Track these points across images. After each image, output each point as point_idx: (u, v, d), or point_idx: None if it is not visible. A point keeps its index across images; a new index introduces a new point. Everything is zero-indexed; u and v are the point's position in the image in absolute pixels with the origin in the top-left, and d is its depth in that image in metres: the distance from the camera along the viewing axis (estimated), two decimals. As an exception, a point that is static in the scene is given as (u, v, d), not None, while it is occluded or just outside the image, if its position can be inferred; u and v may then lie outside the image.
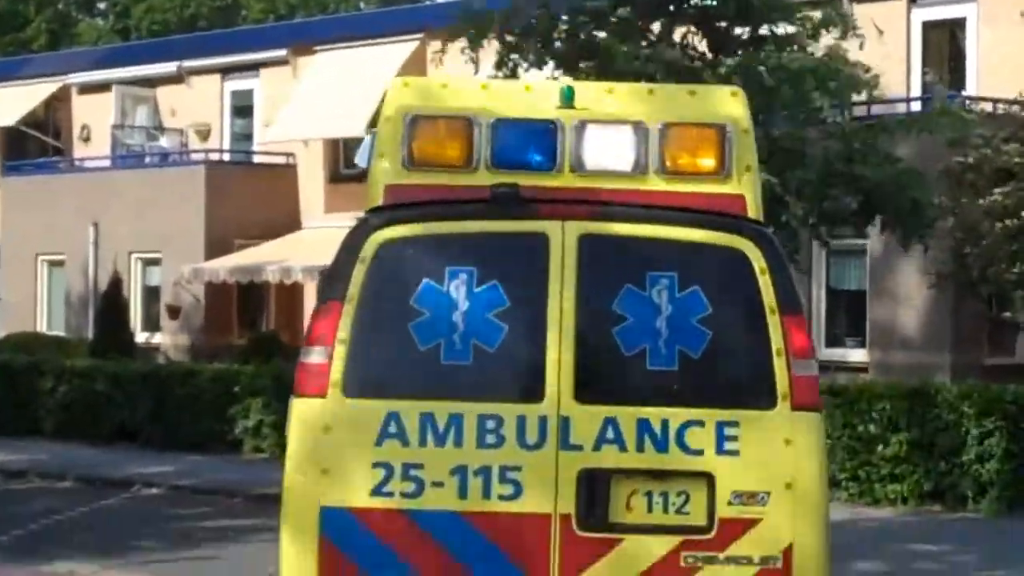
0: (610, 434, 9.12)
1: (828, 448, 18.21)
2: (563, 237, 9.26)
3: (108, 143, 45.90)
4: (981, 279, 26.98)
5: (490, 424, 9.12)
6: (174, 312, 40.96)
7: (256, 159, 43.45)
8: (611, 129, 9.44)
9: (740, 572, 9.10)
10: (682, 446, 9.11)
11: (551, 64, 23.31)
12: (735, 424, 9.20)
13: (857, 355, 30.79)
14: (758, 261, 9.33)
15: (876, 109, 27.43)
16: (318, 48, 42.59)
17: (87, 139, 47.13)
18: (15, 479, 28.91)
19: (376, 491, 9.07)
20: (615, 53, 21.48)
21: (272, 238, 40.54)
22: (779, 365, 9.22)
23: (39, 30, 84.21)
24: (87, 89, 47.28)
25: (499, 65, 22.96)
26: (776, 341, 9.24)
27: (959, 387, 24.26)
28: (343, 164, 41.90)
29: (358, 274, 9.24)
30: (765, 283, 9.30)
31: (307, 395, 9.22)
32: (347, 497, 9.08)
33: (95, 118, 46.86)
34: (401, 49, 39.85)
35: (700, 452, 9.12)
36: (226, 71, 44.60)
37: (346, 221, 10.89)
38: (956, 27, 34.16)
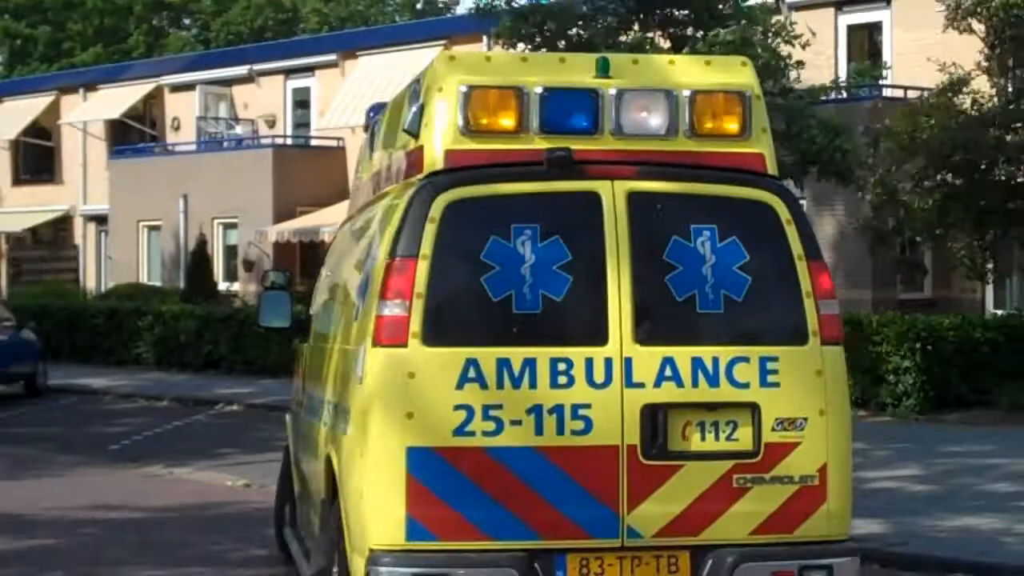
0: (668, 372, 8.58)
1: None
2: (613, 195, 8.71)
3: (194, 132, 45.95)
4: (895, 230, 26.96)
5: (561, 366, 8.49)
6: (248, 265, 41.01)
7: (313, 143, 43.46)
8: (645, 96, 8.87)
9: (784, 490, 8.65)
10: (731, 380, 8.64)
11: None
12: (775, 359, 8.72)
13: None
14: (783, 213, 8.90)
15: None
16: (361, 53, 42.63)
17: (177, 128, 47.15)
18: (124, 400, 29.07)
19: (458, 431, 8.37)
20: (599, 49, 21.45)
21: (326, 205, 40.50)
22: (809, 305, 8.79)
23: (138, 41, 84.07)
24: (177, 88, 47.31)
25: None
26: (805, 284, 8.81)
27: (879, 317, 24.38)
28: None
29: (429, 233, 8.52)
30: (792, 233, 8.86)
31: (388, 345, 8.44)
32: (431, 438, 8.37)
33: (183, 112, 46.91)
34: (428, 53, 39.76)
35: (746, 385, 8.65)
36: (288, 72, 44.63)
37: (382, 199, 9.92)
38: (874, 29, 34.13)
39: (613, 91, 8.79)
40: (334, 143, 42.08)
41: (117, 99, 48.30)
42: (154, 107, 48.45)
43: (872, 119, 27.74)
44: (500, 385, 8.40)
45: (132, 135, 48.56)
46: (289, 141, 43.77)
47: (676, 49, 22.82)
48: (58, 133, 50.70)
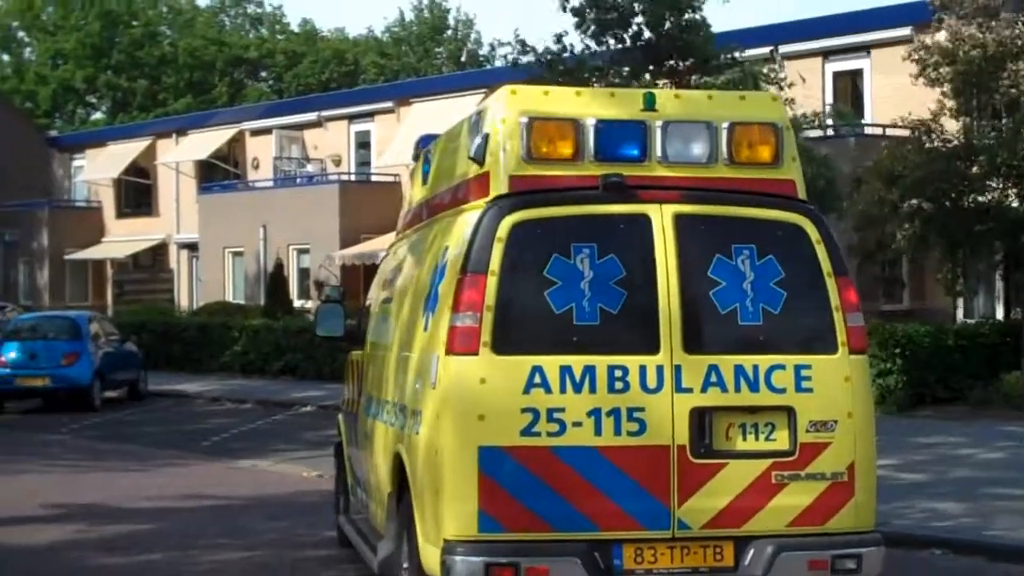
0: (713, 378, 8.42)
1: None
2: (662, 217, 8.53)
3: (271, 170, 46.07)
4: (877, 249, 26.94)
5: (617, 373, 8.32)
6: (319, 285, 41.09)
7: (373, 178, 43.55)
8: (688, 127, 8.73)
9: (816, 486, 8.48)
10: (769, 386, 8.48)
11: None
12: (808, 367, 8.54)
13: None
14: (814, 234, 8.71)
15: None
16: (414, 101, 42.73)
17: (257, 167, 47.30)
18: (213, 403, 29.17)
19: (525, 432, 8.20)
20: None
21: (385, 233, 40.52)
22: (838, 318, 8.61)
23: (222, 92, 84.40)
24: (256, 132, 47.47)
25: None
26: (834, 299, 8.63)
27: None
28: (433, 180, 42.06)
29: (497, 251, 8.34)
30: (821, 252, 8.68)
31: (461, 353, 8.26)
32: (501, 437, 8.18)
33: (262, 153, 47.06)
34: (471, 100, 39.86)
35: (783, 390, 8.49)
36: (351, 118, 44.76)
37: (444, 220, 9.66)
38: (856, 75, 34.08)
39: (660, 123, 8.68)
40: (392, 179, 42.15)
41: (205, 142, 48.50)
42: (236, 149, 48.62)
43: (855, 156, 27.83)
44: (563, 390, 8.24)
45: (218, 173, 48.75)
46: (353, 177, 43.87)
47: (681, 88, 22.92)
48: (154, 172, 50.93)
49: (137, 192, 52.08)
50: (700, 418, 8.33)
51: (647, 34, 23.98)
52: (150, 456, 20.23)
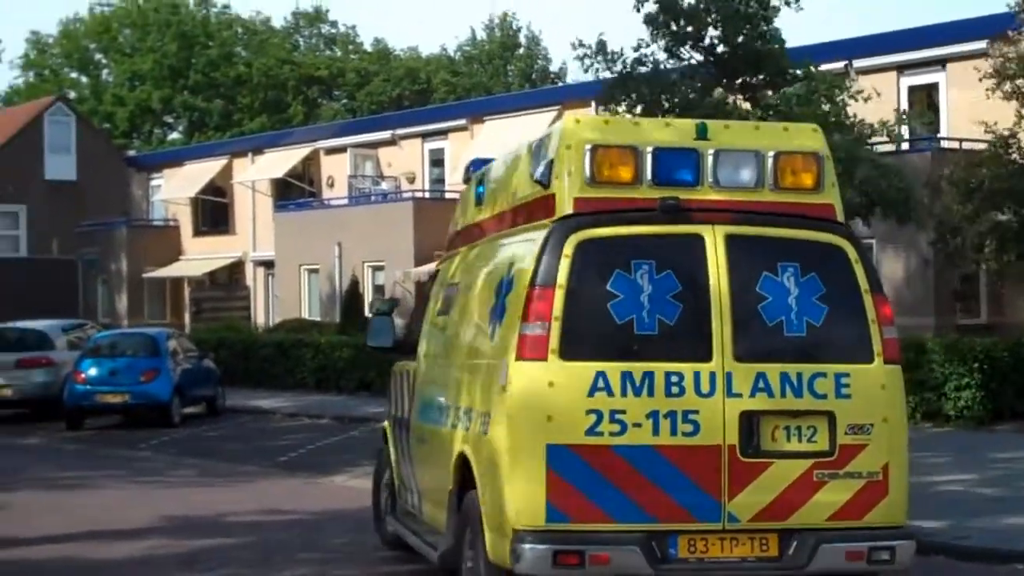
0: (761, 384, 9.06)
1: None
2: (714, 237, 9.21)
3: (346, 188, 46.29)
4: (953, 262, 26.71)
5: (674, 379, 8.98)
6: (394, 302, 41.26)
7: (447, 195, 43.55)
8: (738, 155, 9.42)
9: (854, 484, 9.10)
10: (812, 392, 9.11)
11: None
12: (847, 375, 9.17)
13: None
14: (852, 254, 9.39)
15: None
16: (487, 118, 42.82)
17: (331, 185, 47.53)
18: (289, 418, 29.25)
19: (589, 431, 8.86)
20: (696, 107, 21.46)
21: (459, 249, 40.73)
22: (874, 331, 9.26)
23: (296, 111, 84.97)
24: (331, 151, 47.73)
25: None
26: (871, 313, 9.28)
27: (942, 340, 24.10)
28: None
29: (563, 267, 9.03)
30: (859, 271, 9.35)
31: (531, 359, 8.96)
32: (567, 436, 8.85)
33: (336, 171, 47.30)
34: (544, 118, 39.88)
35: (824, 396, 9.12)
36: (425, 136, 44.91)
37: (506, 238, 10.40)
38: (932, 89, 33.79)
39: (711, 151, 9.36)
40: (465, 196, 42.26)
41: (280, 161, 48.80)
42: (311, 167, 48.88)
43: (931, 169, 27.62)
44: (624, 393, 8.89)
45: (293, 191, 49.02)
46: (427, 195, 43.92)
47: (752, 106, 22.75)
48: (231, 191, 51.32)
49: (214, 211, 52.49)
50: (749, 421, 9.01)
51: (720, 48, 23.89)
52: (228, 471, 20.32)
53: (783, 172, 9.46)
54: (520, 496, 8.88)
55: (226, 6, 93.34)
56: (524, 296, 9.11)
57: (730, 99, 23.66)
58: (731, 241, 9.23)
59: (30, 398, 29.96)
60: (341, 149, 47.14)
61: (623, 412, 8.91)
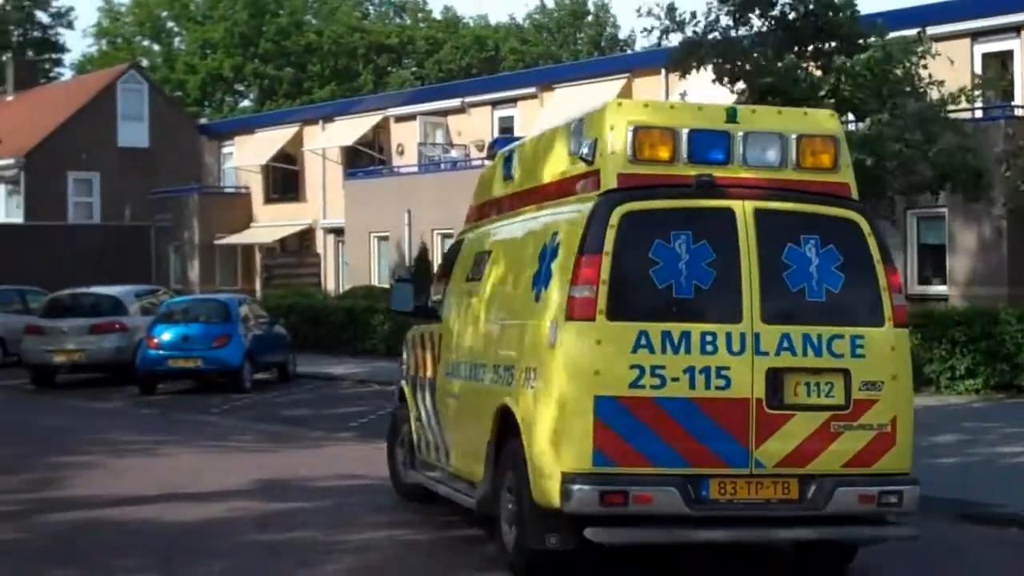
0: (785, 344, 9.98)
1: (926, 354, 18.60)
2: (744, 211, 10.13)
3: (415, 156, 46.35)
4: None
5: (708, 338, 9.88)
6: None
7: (516, 163, 43.59)
8: (765, 137, 10.37)
9: (865, 435, 10.04)
10: (830, 352, 10.04)
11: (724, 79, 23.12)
12: (862, 337, 10.11)
13: (940, 290, 30.26)
14: (866, 228, 10.31)
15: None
16: (556, 86, 42.70)
17: (401, 153, 47.62)
18: (360, 384, 29.41)
19: (632, 384, 9.77)
20: (767, 73, 21.29)
21: (528, 217, 40.72)
22: (885, 298, 10.19)
23: (366, 79, 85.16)
24: (400, 119, 47.80)
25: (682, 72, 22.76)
26: (882, 281, 10.22)
27: (1015, 310, 23.88)
28: (576, 165, 42.00)
29: (609, 236, 9.89)
30: (872, 243, 10.27)
31: (580, 319, 9.84)
32: (613, 389, 9.76)
33: (406, 139, 47.38)
34: (614, 85, 39.77)
35: (841, 355, 10.05)
36: (495, 103, 44.84)
37: (547, 209, 11.25)
38: (1006, 56, 33.37)
39: (741, 133, 10.34)
40: (534, 164, 42.22)
41: (350, 129, 48.94)
42: (381, 135, 48.99)
43: (1005, 137, 27.30)
44: (664, 351, 9.83)
45: (363, 159, 49.17)
46: (496, 163, 43.92)
47: (824, 73, 22.50)
48: (301, 159, 51.54)
49: (285, 178, 52.73)
50: (774, 376, 9.95)
51: (791, 14, 23.65)
52: (299, 436, 20.46)
53: (804, 153, 10.40)
54: (569, 442, 9.81)
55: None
56: (573, 262, 9.99)
57: (804, 65, 23.42)
58: (759, 214, 10.15)
59: (104, 363, 30.33)
60: (411, 117, 47.19)
61: (663, 367, 9.82)
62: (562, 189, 10.95)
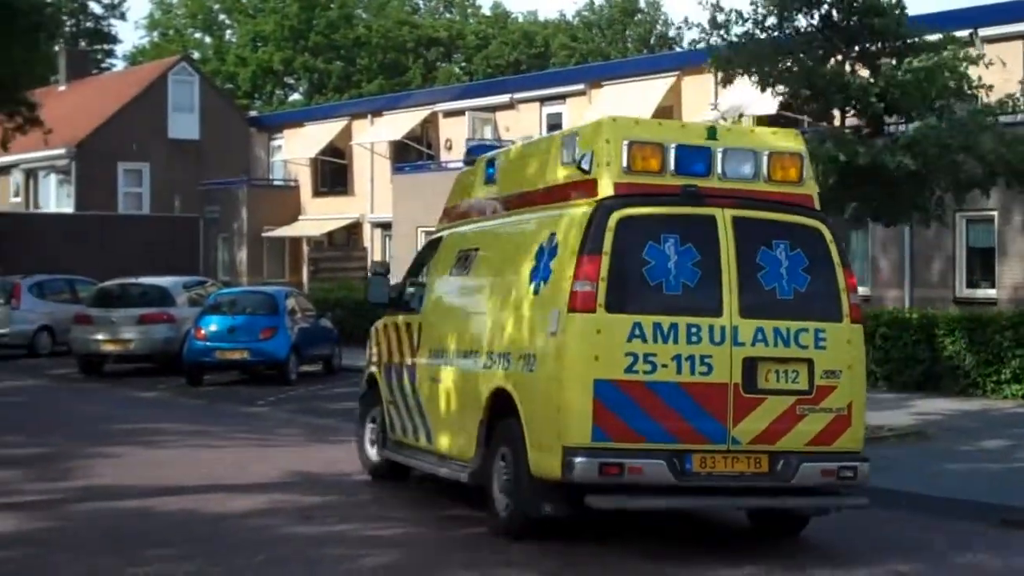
0: (759, 336, 11.37)
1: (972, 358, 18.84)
2: (724, 218, 11.49)
3: (463, 151, 46.35)
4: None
5: (693, 330, 11.23)
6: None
7: (564, 160, 43.55)
8: (741, 153, 11.79)
9: (826, 417, 11.46)
10: (797, 343, 11.46)
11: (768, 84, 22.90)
12: (824, 331, 11.54)
13: (989, 293, 30.05)
14: (827, 235, 11.77)
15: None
16: (605, 83, 42.61)
17: (450, 148, 47.66)
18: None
19: (627, 370, 11.08)
20: (813, 76, 21.12)
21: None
22: (844, 297, 11.66)
23: (415, 74, 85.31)
24: (449, 114, 47.83)
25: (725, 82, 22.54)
26: (841, 283, 11.68)
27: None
28: (623, 163, 41.90)
29: (608, 238, 11.21)
30: (833, 249, 11.74)
31: (582, 311, 11.10)
32: (610, 373, 11.04)
33: (455, 134, 47.41)
34: (664, 83, 39.69)
35: (806, 347, 11.48)
36: (543, 100, 44.79)
37: (539, 212, 12.65)
38: (1060, 59, 33.09)
39: (720, 149, 11.73)
40: (582, 160, 42.18)
41: (399, 123, 49.02)
42: (430, 130, 49.04)
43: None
44: (655, 340, 11.13)
45: (411, 154, 49.25)
46: (543, 159, 43.86)
47: (873, 75, 22.31)
48: (350, 153, 51.67)
49: (333, 172, 52.88)
50: (750, 364, 11.31)
51: (835, 15, 23.46)
52: (344, 430, 20.50)
53: (775, 167, 11.80)
54: (571, 420, 11.04)
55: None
56: (575, 260, 11.24)
57: (848, 68, 23.26)
58: (737, 221, 11.51)
59: (151, 353, 30.55)
60: (460, 112, 47.22)
61: (654, 355, 11.11)
62: (554, 194, 12.18)
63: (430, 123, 48.66)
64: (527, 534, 11.78)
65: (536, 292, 11.75)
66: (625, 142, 11.45)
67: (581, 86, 43.34)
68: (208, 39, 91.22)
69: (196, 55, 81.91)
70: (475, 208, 14.19)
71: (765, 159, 11.77)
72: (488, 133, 46.17)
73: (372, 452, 15.65)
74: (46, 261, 42.87)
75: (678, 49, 73.76)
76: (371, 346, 16.09)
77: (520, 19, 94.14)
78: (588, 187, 11.55)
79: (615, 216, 11.26)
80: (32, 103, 44.16)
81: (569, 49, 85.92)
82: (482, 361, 12.55)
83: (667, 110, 39.31)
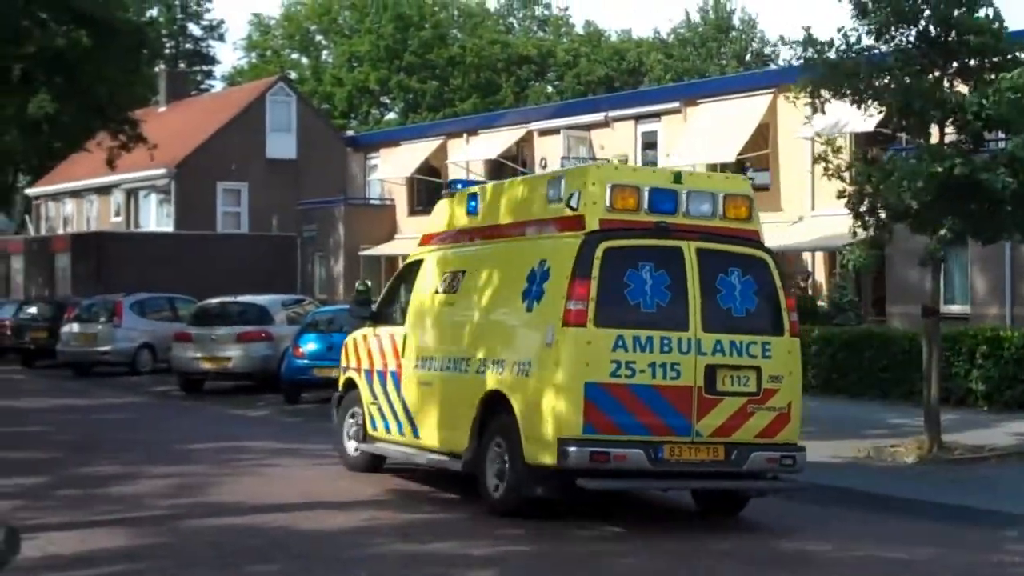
0: (718, 347, 13.56)
1: None
2: (689, 249, 13.67)
3: (540, 169, 46.34)
4: None
5: (665, 342, 13.41)
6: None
7: (658, 178, 43.38)
8: (701, 195, 14.01)
9: (771, 415, 13.71)
10: (748, 354, 13.68)
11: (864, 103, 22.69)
12: (769, 343, 13.81)
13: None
14: (771, 264, 14.05)
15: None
16: (701, 101, 42.48)
17: (544, 166, 47.34)
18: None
19: (612, 374, 13.23)
20: (911, 93, 20.92)
21: (670, 232, 40.61)
22: (785, 316, 13.95)
23: (507, 93, 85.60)
24: (544, 132, 47.94)
25: (814, 108, 22.31)
26: (783, 304, 13.98)
27: None
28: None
29: (595, 265, 13.32)
30: (776, 275, 14.06)
31: (575, 325, 13.21)
32: (598, 377, 13.19)
33: (550, 152, 47.35)
34: (761, 100, 39.51)
35: (755, 356, 13.71)
36: (638, 118, 44.77)
37: (528, 241, 14.45)
38: None
39: (685, 191, 13.95)
40: (677, 178, 42.03)
41: (494, 142, 49.22)
42: (525, 148, 49.19)
43: None
44: (634, 350, 13.29)
45: (506, 172, 49.37)
46: (638, 177, 43.70)
47: (971, 91, 22.06)
48: (445, 171, 51.87)
49: (429, 190, 53.17)
50: (710, 371, 13.50)
51: (933, 31, 23.22)
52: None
53: (729, 207, 14.01)
54: (564, 416, 13.13)
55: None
56: (567, 283, 13.28)
57: (946, 84, 23.01)
58: (700, 252, 13.67)
59: (250, 371, 30.82)
60: (554, 131, 47.30)
61: (633, 362, 13.25)
62: (540, 227, 14.32)
63: (525, 141, 48.82)
64: (517, 512, 13.83)
65: (529, 309, 13.91)
66: (608, 185, 13.64)
67: (676, 104, 43.24)
68: (305, 60, 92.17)
69: (293, 75, 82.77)
70: (460, 235, 16.19)
71: (721, 200, 13.97)
72: (583, 151, 46.25)
73: (350, 446, 17.72)
74: (146, 280, 43.52)
75: (773, 67, 73.38)
76: (347, 355, 18.04)
77: (614, 37, 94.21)
78: (575, 222, 13.70)
79: (601, 246, 13.39)
80: (134, 121, 44.90)
81: (664, 66, 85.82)
82: (474, 367, 14.62)
83: (763, 128, 39.15)
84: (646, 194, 13.71)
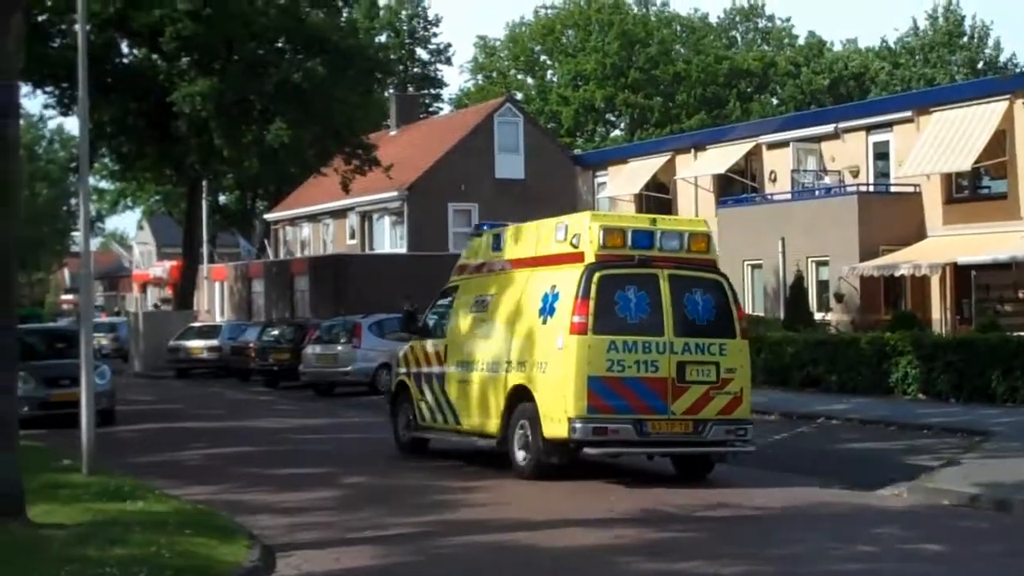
0: (687, 348, 17.76)
1: None
2: (663, 275, 17.93)
3: (788, 182, 45.89)
4: None
5: (646, 345, 17.64)
6: (839, 298, 40.63)
7: (892, 189, 42.67)
8: (672, 234, 18.31)
9: (727, 398, 17.86)
10: (709, 352, 17.86)
11: None
12: (726, 344, 17.99)
13: None
14: (726, 285, 18.33)
15: None
16: (934, 109, 41.50)
17: (774, 180, 47.20)
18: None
19: (607, 370, 17.48)
20: None
21: (905, 245, 39.75)
22: (737, 323, 18.18)
23: (734, 107, 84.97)
24: (772, 146, 47.36)
25: None
26: (735, 314, 18.23)
27: None
28: (954, 191, 40.67)
29: (593, 288, 17.66)
30: (730, 294, 18.37)
31: (579, 333, 17.54)
32: (598, 371, 17.48)
33: (779, 165, 46.94)
34: (997, 107, 38.46)
35: (715, 354, 17.88)
36: (869, 128, 43.91)
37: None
38: None
39: (660, 231, 18.24)
40: (911, 189, 41.23)
41: (722, 157, 48.82)
42: (753, 162, 48.70)
43: None
44: (623, 351, 17.56)
45: (735, 187, 49.01)
46: (871, 189, 43.05)
47: None
48: (673, 187, 51.74)
49: (658, 206, 52.97)
50: (680, 366, 17.69)
51: None
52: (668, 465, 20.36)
53: (692, 243, 18.30)
54: (573, 401, 17.41)
55: (665, 3, 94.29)
56: (572, 302, 17.59)
57: None
58: (671, 277, 17.94)
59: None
60: (783, 144, 46.69)
61: (623, 360, 17.53)
62: (551, 260, 18.61)
63: (753, 155, 48.32)
64: (539, 476, 18.00)
65: (544, 323, 18.24)
66: (601, 228, 17.96)
67: (908, 113, 42.31)
68: (531, 80, 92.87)
69: (519, 96, 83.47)
70: (486, 266, 20.60)
71: (686, 237, 18.26)
72: (812, 164, 45.58)
73: (404, 434, 22.12)
74: (383, 301, 44.25)
75: (1011, 74, 71.36)
76: (400, 362, 22.42)
77: (838, 46, 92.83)
78: (578, 256, 18.08)
79: (597, 274, 17.73)
80: (369, 145, 45.72)
81: (891, 74, 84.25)
82: (503, 368, 18.97)
83: (999, 135, 38.11)
84: (630, 234, 18.03)
